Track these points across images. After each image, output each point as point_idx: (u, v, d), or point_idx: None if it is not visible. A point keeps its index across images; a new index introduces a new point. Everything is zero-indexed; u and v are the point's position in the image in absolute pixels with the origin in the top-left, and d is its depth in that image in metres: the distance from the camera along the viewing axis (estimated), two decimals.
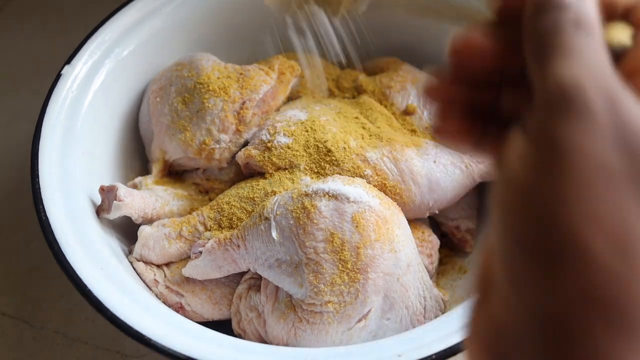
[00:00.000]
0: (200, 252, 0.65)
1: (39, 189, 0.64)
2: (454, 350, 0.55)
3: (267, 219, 0.63)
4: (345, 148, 0.70)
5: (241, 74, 0.76)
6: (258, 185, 0.69)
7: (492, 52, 0.33)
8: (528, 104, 0.30)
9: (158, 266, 0.69)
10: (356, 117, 0.75)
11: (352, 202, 0.61)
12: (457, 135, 0.35)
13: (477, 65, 0.33)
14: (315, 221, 0.60)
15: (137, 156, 0.82)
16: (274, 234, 0.62)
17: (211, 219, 0.68)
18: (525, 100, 0.31)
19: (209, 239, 0.65)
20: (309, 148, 0.70)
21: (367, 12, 0.59)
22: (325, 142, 0.70)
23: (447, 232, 0.78)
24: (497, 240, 0.28)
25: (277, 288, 0.64)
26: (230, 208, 0.68)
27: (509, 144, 0.29)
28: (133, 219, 0.70)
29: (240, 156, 0.72)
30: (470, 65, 0.33)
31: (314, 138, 0.70)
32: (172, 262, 0.69)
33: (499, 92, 0.34)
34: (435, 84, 0.35)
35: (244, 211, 0.68)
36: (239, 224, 0.67)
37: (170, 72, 0.77)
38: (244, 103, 0.74)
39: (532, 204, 0.26)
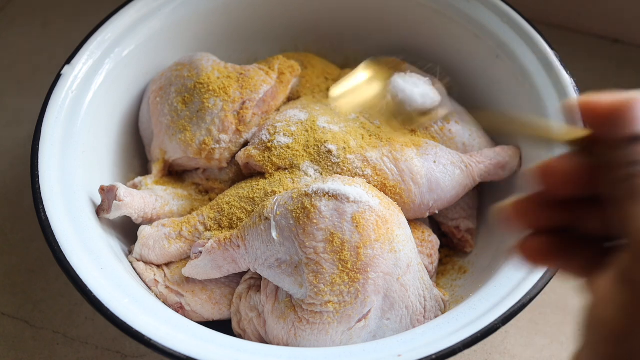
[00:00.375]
0: (200, 252, 0.65)
1: (39, 189, 0.64)
2: (454, 350, 0.55)
3: (267, 219, 0.63)
4: (345, 148, 0.70)
5: (241, 74, 0.76)
6: (258, 185, 0.69)
7: (576, 176, 0.34)
8: (613, 241, 0.32)
9: (158, 266, 0.69)
10: (356, 117, 0.75)
11: (352, 202, 0.61)
12: (545, 253, 0.36)
13: (561, 189, 0.35)
14: (315, 221, 0.60)
15: (137, 156, 0.82)
16: (274, 234, 0.62)
17: (211, 219, 0.68)
18: (607, 225, 0.33)
19: (209, 239, 0.65)
20: (309, 148, 0.70)
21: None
22: (325, 142, 0.70)
23: (447, 232, 0.78)
24: None
25: (277, 288, 0.64)
26: (230, 208, 0.68)
27: (600, 285, 0.31)
28: (133, 219, 0.70)
29: (240, 156, 0.72)
30: (554, 189, 0.35)
31: (314, 138, 0.70)
32: (172, 262, 0.69)
33: (582, 213, 0.36)
34: (523, 205, 0.36)
35: (244, 211, 0.68)
36: (239, 224, 0.67)
37: (170, 72, 0.77)
38: (244, 103, 0.74)
39: (623, 350, 0.28)
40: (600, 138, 0.33)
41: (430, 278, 0.69)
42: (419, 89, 0.66)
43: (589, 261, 0.35)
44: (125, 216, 0.69)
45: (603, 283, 0.30)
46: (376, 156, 0.70)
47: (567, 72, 0.72)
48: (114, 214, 0.67)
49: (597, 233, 0.36)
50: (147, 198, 0.70)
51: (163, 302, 0.66)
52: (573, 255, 0.36)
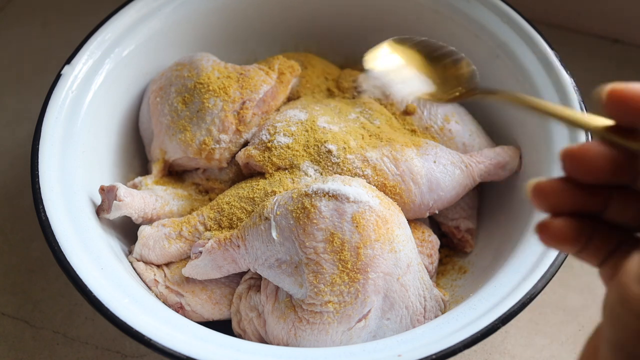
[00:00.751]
0: (200, 252, 0.65)
1: (39, 189, 0.64)
2: (454, 350, 0.55)
3: (267, 219, 0.63)
4: (345, 148, 0.70)
5: (241, 74, 0.76)
6: (258, 185, 0.69)
7: (606, 161, 0.35)
8: None
9: (158, 266, 0.69)
10: (356, 117, 0.75)
11: (352, 202, 0.61)
12: (561, 236, 0.36)
13: (590, 173, 0.35)
14: (315, 221, 0.60)
15: (137, 156, 0.82)
16: (274, 234, 0.62)
17: (211, 219, 0.69)
18: (635, 212, 0.34)
19: (209, 239, 0.65)
20: (309, 148, 0.70)
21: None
22: (325, 142, 0.70)
23: (447, 232, 0.78)
24: (609, 350, 0.31)
25: (277, 288, 0.64)
26: (230, 208, 0.68)
27: (628, 265, 0.31)
28: (133, 219, 0.70)
29: (240, 156, 0.72)
30: (583, 173, 0.35)
31: (314, 138, 0.70)
32: (172, 262, 0.69)
33: (609, 200, 0.36)
34: (545, 187, 0.36)
35: (244, 211, 0.68)
36: (239, 224, 0.67)
37: (170, 72, 0.77)
38: (244, 103, 0.74)
39: None
40: (633, 128, 0.34)
41: (430, 278, 0.69)
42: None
43: (608, 249, 0.36)
44: (125, 216, 0.69)
45: (632, 263, 0.31)
46: (376, 156, 0.70)
47: (567, 72, 0.72)
48: (114, 214, 0.67)
49: (622, 221, 0.36)
50: (147, 198, 0.70)
51: (163, 302, 0.66)
52: (592, 242, 0.36)
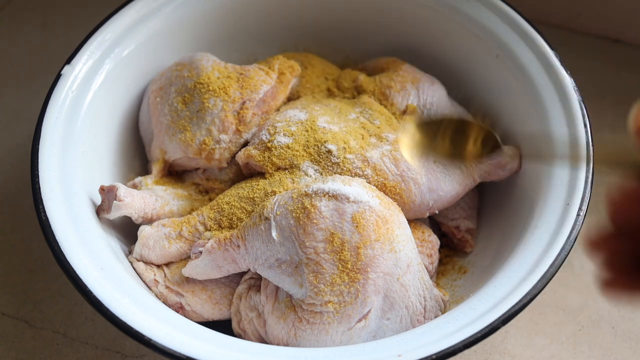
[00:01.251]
0: (201, 252, 0.65)
1: (39, 189, 0.64)
2: (454, 350, 0.55)
3: (267, 219, 0.63)
4: (345, 148, 0.70)
5: (241, 74, 0.76)
6: (258, 185, 0.69)
7: None
8: None
9: (158, 266, 0.69)
10: (356, 117, 0.75)
11: (352, 202, 0.61)
12: (629, 286, 0.34)
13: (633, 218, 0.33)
14: (315, 221, 0.60)
15: (137, 156, 0.82)
16: (274, 234, 0.62)
17: (211, 219, 0.69)
18: None
19: (209, 239, 0.66)
20: (309, 148, 0.70)
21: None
22: (325, 142, 0.70)
23: (447, 232, 0.78)
24: None
25: (277, 288, 0.64)
26: (230, 208, 0.68)
27: None
28: (133, 219, 0.70)
29: (240, 156, 0.72)
30: (632, 215, 0.33)
31: (314, 138, 0.70)
32: (172, 262, 0.69)
33: None
34: (598, 237, 0.34)
35: (244, 211, 0.68)
36: (239, 224, 0.67)
37: (170, 72, 0.77)
38: (244, 103, 0.74)
39: None
40: None
41: (430, 278, 0.69)
42: None
43: None
44: (125, 216, 0.69)
45: None
46: (376, 156, 0.70)
47: (567, 72, 0.72)
48: (114, 214, 0.67)
49: None
50: (147, 198, 0.70)
51: (163, 302, 0.66)
52: None
